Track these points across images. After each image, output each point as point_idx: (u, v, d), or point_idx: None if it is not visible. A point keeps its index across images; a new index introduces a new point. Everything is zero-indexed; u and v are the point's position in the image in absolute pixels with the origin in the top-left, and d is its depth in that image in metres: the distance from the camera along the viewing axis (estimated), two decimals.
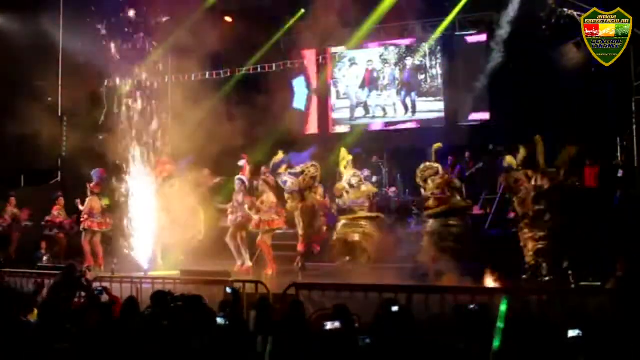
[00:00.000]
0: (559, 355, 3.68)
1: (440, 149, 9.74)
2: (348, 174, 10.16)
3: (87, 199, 11.11)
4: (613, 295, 6.37)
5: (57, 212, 11.91)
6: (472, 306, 4.54)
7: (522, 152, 8.74)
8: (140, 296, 6.84)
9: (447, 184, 9.14)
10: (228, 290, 6.31)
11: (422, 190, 9.43)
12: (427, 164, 9.47)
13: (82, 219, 11.08)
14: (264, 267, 10.00)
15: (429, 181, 9.22)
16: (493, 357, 3.47)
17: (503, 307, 3.57)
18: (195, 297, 5.38)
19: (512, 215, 9.16)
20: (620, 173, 10.62)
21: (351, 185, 10.01)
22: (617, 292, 6.41)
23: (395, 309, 4.50)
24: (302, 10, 14.41)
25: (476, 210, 12.36)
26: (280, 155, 10.35)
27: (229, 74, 14.67)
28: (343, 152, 10.47)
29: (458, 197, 9.33)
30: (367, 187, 10.14)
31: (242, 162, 10.62)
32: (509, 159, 8.87)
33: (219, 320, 4.62)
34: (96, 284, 7.39)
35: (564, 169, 8.27)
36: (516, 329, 3.74)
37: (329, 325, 4.05)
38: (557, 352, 3.67)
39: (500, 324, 3.53)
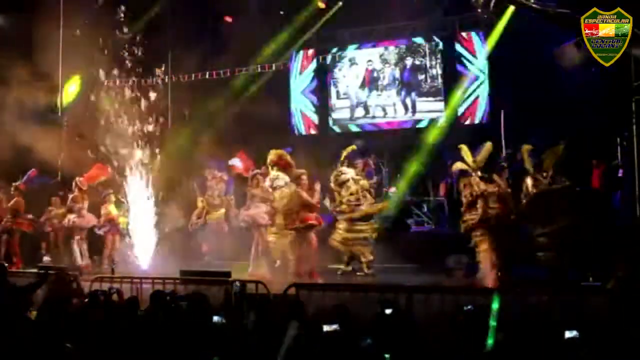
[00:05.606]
0: (555, 356, 3.67)
1: (353, 152, 9.89)
2: (271, 175, 9.72)
3: (14, 199, 10.79)
4: (613, 295, 6.38)
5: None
6: (468, 307, 4.51)
7: (484, 150, 8.60)
8: (141, 296, 6.85)
9: (362, 189, 9.48)
10: (235, 287, 6.48)
11: (336, 194, 9.63)
12: (342, 168, 9.63)
13: (6, 220, 10.69)
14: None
15: (344, 187, 9.47)
16: (487, 356, 3.46)
17: (495, 305, 3.57)
18: (200, 295, 5.39)
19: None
20: (620, 173, 10.61)
21: (273, 188, 9.55)
22: (617, 292, 6.42)
23: (388, 311, 4.50)
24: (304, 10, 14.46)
25: None
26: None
27: (229, 74, 14.65)
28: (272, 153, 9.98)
29: (370, 201, 9.68)
30: (289, 190, 9.36)
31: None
32: (459, 165, 8.75)
33: (216, 319, 4.62)
34: (108, 286, 7.38)
35: (550, 171, 8.28)
36: (514, 329, 3.74)
37: (326, 328, 4.04)
38: (554, 352, 3.66)
39: (492, 322, 3.52)
